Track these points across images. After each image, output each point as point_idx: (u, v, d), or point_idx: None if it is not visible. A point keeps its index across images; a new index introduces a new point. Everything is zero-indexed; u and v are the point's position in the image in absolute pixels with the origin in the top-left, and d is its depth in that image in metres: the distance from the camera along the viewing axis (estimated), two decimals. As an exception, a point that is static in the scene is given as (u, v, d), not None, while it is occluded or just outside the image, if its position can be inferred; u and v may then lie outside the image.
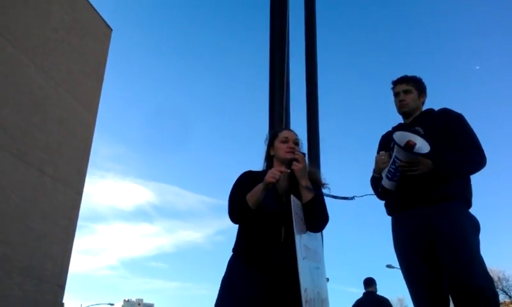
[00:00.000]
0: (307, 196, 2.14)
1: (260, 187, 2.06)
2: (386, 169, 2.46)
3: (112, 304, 49.89)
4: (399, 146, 2.32)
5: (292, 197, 2.08)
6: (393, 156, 2.38)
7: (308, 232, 2.18)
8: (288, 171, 2.15)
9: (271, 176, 2.04)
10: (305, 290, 1.90)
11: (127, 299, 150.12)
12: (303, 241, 2.06)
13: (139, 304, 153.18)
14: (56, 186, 10.34)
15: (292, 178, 2.21)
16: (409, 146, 2.34)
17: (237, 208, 2.11)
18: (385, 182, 2.49)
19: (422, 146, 2.34)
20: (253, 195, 2.07)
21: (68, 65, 11.34)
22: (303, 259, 2.00)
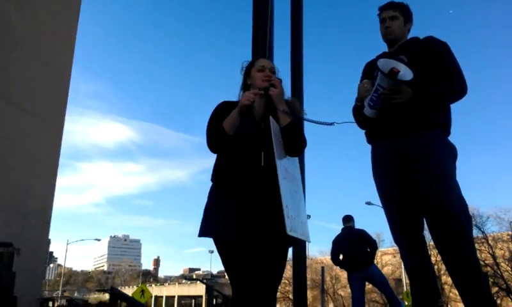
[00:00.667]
0: (285, 120, 2.16)
1: (235, 111, 2.09)
2: (369, 97, 2.44)
3: (98, 240, 51.01)
4: (382, 72, 2.30)
5: (271, 118, 2.10)
6: (376, 83, 2.36)
7: (287, 156, 2.22)
8: (262, 92, 2.18)
9: (245, 99, 2.06)
10: (286, 206, 1.96)
11: (113, 235, 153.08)
12: (283, 162, 2.11)
13: (125, 240, 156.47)
14: (36, 124, 10.18)
15: (269, 104, 2.22)
16: (393, 73, 2.32)
17: (214, 134, 2.13)
18: (367, 110, 2.48)
19: (406, 73, 2.32)
20: (229, 120, 2.09)
21: (45, 4, 10.91)
22: (283, 178, 2.05)
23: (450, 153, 2.48)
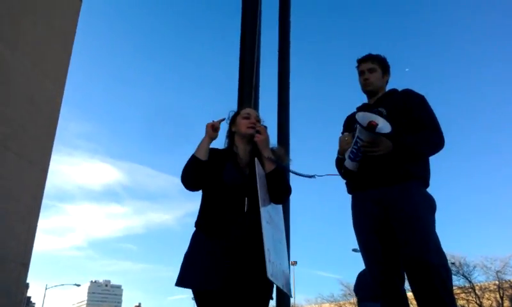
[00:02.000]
0: (269, 166, 2.17)
1: (203, 138, 2.18)
2: (349, 150, 2.49)
3: (78, 285, 49.29)
4: (361, 125, 2.35)
5: (256, 161, 2.12)
6: (356, 136, 2.42)
7: (272, 204, 2.22)
8: (224, 119, 2.28)
9: (209, 124, 2.17)
10: (268, 250, 1.93)
11: (94, 280, 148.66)
12: (267, 208, 2.11)
13: (106, 285, 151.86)
14: (20, 163, 10.01)
15: (254, 152, 2.24)
16: (371, 126, 2.37)
17: (187, 165, 2.16)
18: (347, 163, 2.52)
19: (384, 126, 2.38)
20: (199, 147, 2.17)
21: (34, 36, 10.88)
22: (267, 223, 2.04)
23: (429, 205, 2.50)
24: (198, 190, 2.23)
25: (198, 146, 2.18)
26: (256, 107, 3.40)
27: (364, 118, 2.41)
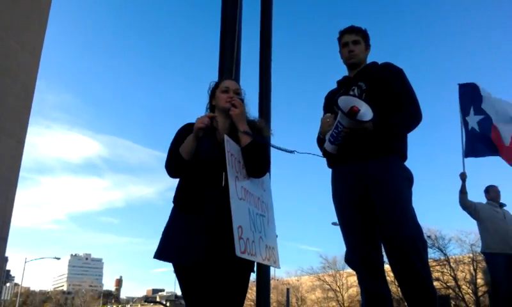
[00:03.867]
0: (245, 140, 2.15)
1: (191, 136, 2.09)
2: (329, 132, 2.49)
3: (58, 258, 49.01)
4: (342, 112, 2.34)
5: (226, 137, 2.07)
6: (337, 120, 2.41)
7: (251, 178, 2.20)
8: (216, 115, 2.17)
9: (199, 123, 2.07)
10: (239, 227, 1.92)
11: (74, 254, 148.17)
12: (240, 183, 2.08)
13: (86, 259, 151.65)
14: (-3, 135, 9.79)
15: (233, 125, 2.21)
16: (353, 113, 2.36)
17: (171, 160, 2.15)
18: (327, 145, 2.53)
19: (366, 112, 2.38)
20: (185, 146, 2.10)
21: (9, 10, 10.52)
22: (239, 199, 2.02)
23: (406, 178, 2.55)
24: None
25: (185, 144, 2.11)
26: (237, 79, 3.36)
27: (346, 102, 2.40)
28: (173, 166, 2.15)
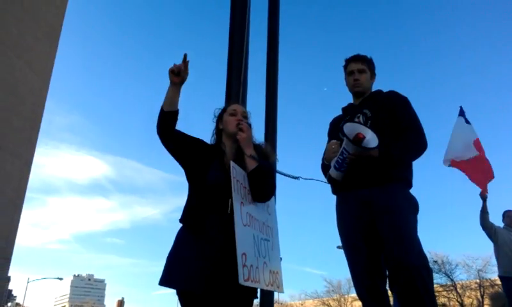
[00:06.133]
0: (251, 164, 2.15)
1: (168, 87, 2.14)
2: (335, 159, 2.49)
3: (61, 279, 48.67)
4: (348, 138, 2.35)
5: (232, 163, 2.07)
6: (342, 147, 2.41)
7: (256, 203, 2.19)
8: (185, 56, 2.15)
9: (169, 70, 2.11)
10: (243, 254, 1.90)
11: (76, 274, 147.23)
12: (245, 209, 2.07)
13: (89, 279, 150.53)
14: (3, 155, 9.87)
15: (239, 149, 2.21)
16: (358, 140, 2.37)
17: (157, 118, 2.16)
18: (332, 172, 2.53)
19: (371, 139, 2.38)
20: (165, 98, 2.14)
21: (20, 28, 10.65)
22: (244, 225, 2.01)
23: (412, 205, 2.54)
24: (173, 144, 2.19)
25: (165, 97, 2.14)
26: (244, 103, 3.39)
27: (351, 129, 2.40)
28: (158, 122, 2.14)
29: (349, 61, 2.83)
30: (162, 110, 2.13)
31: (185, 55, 2.14)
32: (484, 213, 5.68)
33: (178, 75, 2.11)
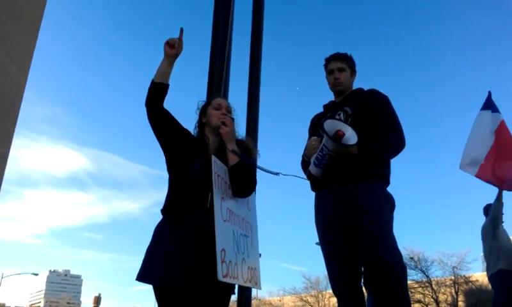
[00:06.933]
0: (232, 159, 2.15)
1: (162, 59, 2.13)
2: (315, 155, 2.51)
3: (36, 274, 47.84)
4: (328, 135, 2.37)
5: (213, 158, 2.06)
6: (322, 144, 2.43)
7: (237, 198, 2.19)
8: (181, 31, 2.16)
9: (165, 42, 2.11)
10: (222, 250, 1.90)
11: (52, 270, 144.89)
12: (226, 204, 2.06)
13: (65, 275, 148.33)
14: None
15: (222, 144, 2.20)
16: (338, 136, 2.39)
17: (148, 90, 2.14)
18: (312, 168, 2.55)
19: (351, 136, 2.41)
20: (157, 70, 2.13)
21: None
22: (224, 221, 2.00)
23: (389, 203, 2.59)
24: (160, 121, 2.17)
25: (157, 69, 2.13)
26: (225, 97, 3.39)
27: (332, 126, 2.43)
28: (149, 94, 2.13)
29: (329, 60, 2.85)
30: (152, 81, 2.12)
31: (181, 30, 2.15)
32: (499, 201, 5.37)
33: (173, 47, 2.12)
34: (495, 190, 5.34)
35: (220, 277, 1.84)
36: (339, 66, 2.79)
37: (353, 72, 2.86)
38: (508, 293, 5.52)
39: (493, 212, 5.51)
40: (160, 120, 2.17)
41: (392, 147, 2.62)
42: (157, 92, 2.12)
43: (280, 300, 35.34)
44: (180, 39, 2.13)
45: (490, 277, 5.68)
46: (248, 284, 2.16)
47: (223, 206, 2.03)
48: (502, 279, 5.58)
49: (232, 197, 2.16)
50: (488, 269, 5.71)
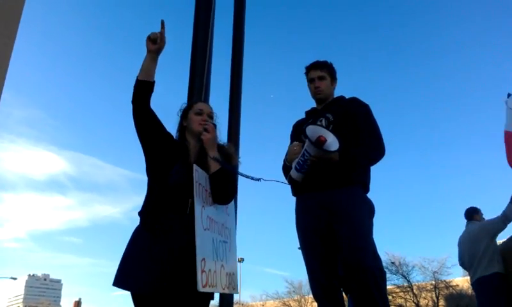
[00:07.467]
0: (214, 167, 2.13)
1: (145, 56, 2.09)
2: (296, 160, 2.51)
3: (15, 278, 46.90)
4: (310, 140, 2.38)
5: (195, 166, 2.04)
6: (304, 148, 2.44)
7: (216, 205, 2.17)
8: (162, 24, 2.12)
9: (147, 37, 2.07)
10: (203, 259, 1.89)
11: (32, 274, 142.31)
12: (206, 212, 2.05)
13: (45, 279, 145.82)
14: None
15: (202, 149, 2.18)
16: (320, 142, 2.41)
17: (133, 88, 2.11)
18: (293, 173, 2.55)
19: (332, 142, 2.43)
20: (141, 68, 2.10)
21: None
22: (204, 230, 1.99)
23: (368, 209, 2.62)
24: (144, 119, 2.14)
25: (141, 66, 2.09)
26: (206, 101, 3.36)
27: (314, 132, 2.45)
28: (135, 92, 2.10)
29: (309, 69, 2.86)
30: (137, 79, 2.09)
31: (162, 22, 2.10)
32: None
33: (155, 42, 2.07)
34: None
35: (200, 288, 1.82)
36: (319, 74, 2.81)
37: (333, 80, 2.87)
38: (501, 298, 5.23)
39: (506, 213, 5.29)
40: (145, 119, 2.14)
41: (372, 154, 2.65)
42: (142, 90, 2.10)
43: (263, 305, 35.28)
44: (161, 33, 2.09)
45: (481, 279, 5.38)
46: (226, 291, 2.14)
47: (203, 214, 2.02)
48: (497, 282, 5.30)
49: (212, 204, 2.15)
50: (477, 271, 5.43)
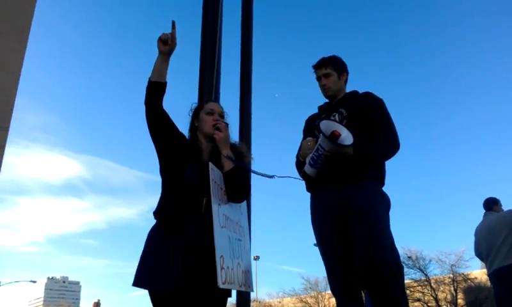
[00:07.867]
0: (227, 165, 2.14)
1: (156, 57, 2.11)
2: (310, 155, 2.50)
3: (34, 281, 47.63)
4: (324, 135, 2.37)
5: (211, 165, 2.05)
6: (318, 144, 2.43)
7: (230, 203, 2.18)
8: (173, 24, 2.12)
9: (158, 38, 2.08)
10: (221, 256, 1.90)
11: (51, 277, 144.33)
12: (222, 210, 2.06)
13: (63, 282, 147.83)
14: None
15: (215, 149, 2.19)
16: (334, 137, 2.40)
17: (146, 90, 2.14)
18: (307, 168, 2.55)
19: (346, 137, 2.42)
20: (153, 69, 2.12)
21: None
22: (221, 227, 2.00)
23: (384, 202, 2.59)
24: (157, 120, 2.16)
25: (153, 68, 2.12)
26: (217, 100, 3.36)
27: (328, 126, 2.43)
28: (147, 94, 2.12)
29: (315, 68, 2.85)
30: (149, 80, 2.11)
31: (173, 23, 2.11)
32: None
33: (166, 43, 2.08)
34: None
35: (220, 284, 1.84)
36: (324, 72, 2.79)
37: (341, 74, 2.83)
38: None
39: None
40: (158, 120, 2.16)
41: (386, 149, 2.63)
42: (154, 91, 2.12)
43: (280, 302, 35.27)
44: (172, 34, 2.09)
45: (498, 270, 5.22)
46: (242, 289, 2.15)
47: (220, 212, 2.03)
48: None
49: (227, 202, 2.16)
50: (494, 262, 5.28)
